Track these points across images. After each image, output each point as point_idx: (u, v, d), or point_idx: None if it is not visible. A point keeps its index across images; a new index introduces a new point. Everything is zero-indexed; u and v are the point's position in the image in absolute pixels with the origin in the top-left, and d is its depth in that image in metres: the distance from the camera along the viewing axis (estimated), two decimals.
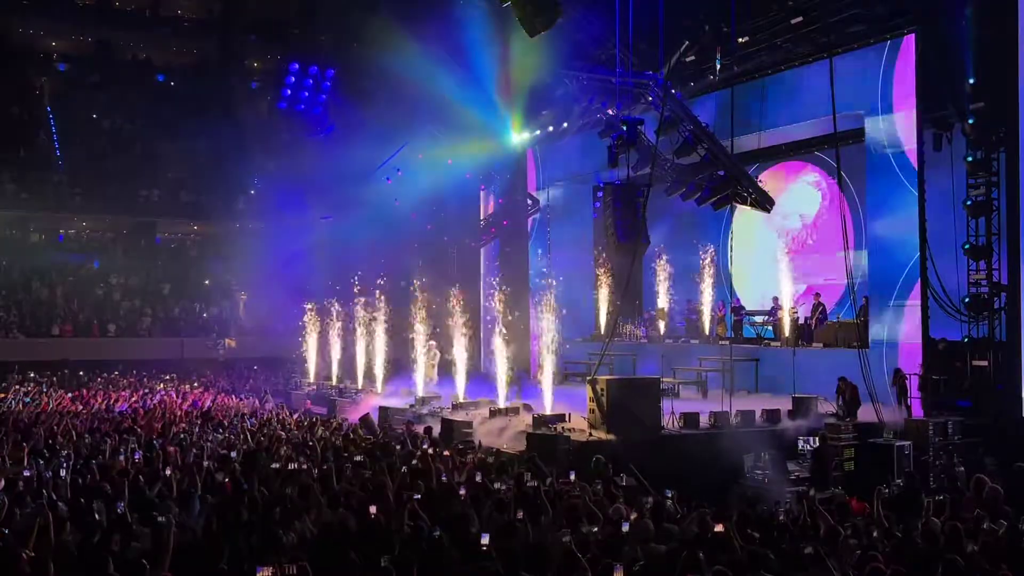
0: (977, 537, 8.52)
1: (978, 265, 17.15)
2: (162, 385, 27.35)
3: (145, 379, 28.68)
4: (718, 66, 20.25)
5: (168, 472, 11.15)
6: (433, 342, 24.07)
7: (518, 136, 27.17)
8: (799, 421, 16.67)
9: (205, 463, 12.33)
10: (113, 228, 40.25)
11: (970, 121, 17.06)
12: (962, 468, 13.54)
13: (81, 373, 28.64)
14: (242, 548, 7.62)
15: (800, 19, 19.43)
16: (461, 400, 20.08)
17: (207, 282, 38.57)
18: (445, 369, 22.78)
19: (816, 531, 9.07)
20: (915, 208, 17.62)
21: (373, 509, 8.87)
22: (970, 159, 17.17)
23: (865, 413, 16.28)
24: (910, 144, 17.85)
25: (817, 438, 15.35)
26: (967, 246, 17.18)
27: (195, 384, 27.73)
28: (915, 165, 17.72)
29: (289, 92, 28.00)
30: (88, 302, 35.59)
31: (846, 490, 12.94)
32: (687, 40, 20.54)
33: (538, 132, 26.55)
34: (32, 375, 28.08)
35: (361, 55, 25.46)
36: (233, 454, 13.19)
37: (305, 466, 11.93)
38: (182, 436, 15.69)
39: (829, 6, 18.86)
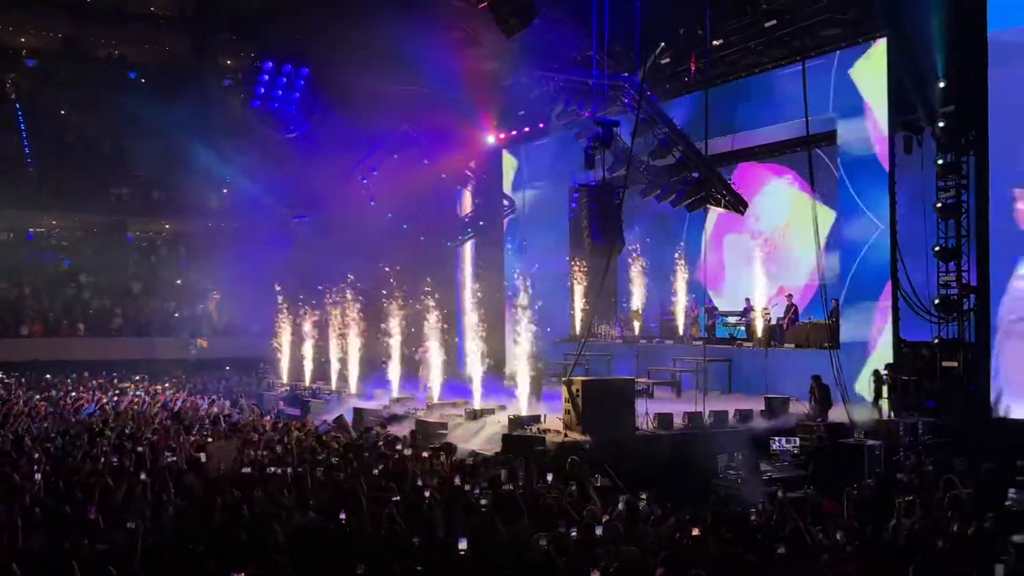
0: (947, 538, 8.63)
1: (948, 267, 17.34)
2: (131, 386, 27.07)
3: (115, 380, 28.38)
4: (693, 69, 20.37)
5: (142, 476, 11.05)
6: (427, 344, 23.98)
7: (494, 137, 27.21)
8: (772, 421, 16.83)
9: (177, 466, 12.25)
10: (83, 226, 39.81)
11: (940, 124, 17.24)
12: (932, 468, 13.68)
13: (48, 376, 28.27)
14: (214, 553, 7.58)
15: (774, 23, 19.60)
16: (436, 401, 20.05)
17: (179, 281, 38.23)
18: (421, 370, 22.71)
19: (788, 532, 9.14)
20: (887, 210, 17.82)
21: (343, 515, 8.81)
22: (940, 162, 17.35)
23: (837, 414, 16.45)
24: (881, 147, 18.05)
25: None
26: (937, 248, 17.37)
27: (166, 385, 27.48)
28: (886, 168, 17.92)
29: (262, 90, 27.81)
30: (58, 301, 35.18)
31: (817, 490, 13.05)
32: (662, 43, 20.65)
33: (514, 133, 26.60)
34: (0, 376, 27.71)
35: (335, 54, 25.35)
36: (203, 456, 13.10)
37: (278, 470, 11.87)
38: (154, 438, 15.54)
39: (802, 10, 19.04)
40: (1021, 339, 16.01)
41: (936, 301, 17.37)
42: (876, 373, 17.42)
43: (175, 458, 13.16)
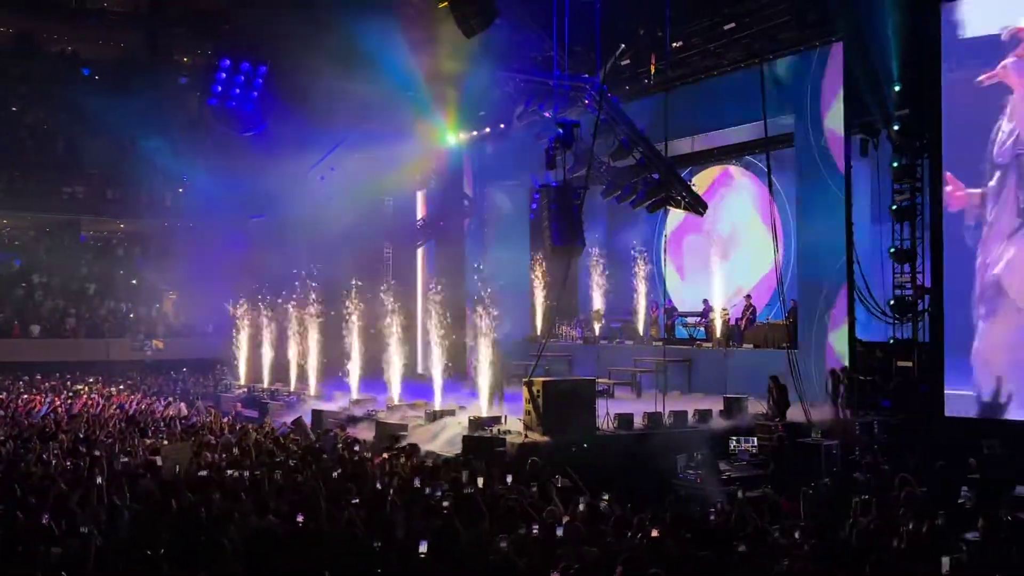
0: (901, 536, 8.76)
1: (903, 268, 17.61)
2: (85, 388, 26.62)
3: (68, 381, 27.89)
4: (653, 71, 20.49)
5: (97, 480, 10.85)
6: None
7: (455, 137, 27.10)
8: (731, 421, 16.98)
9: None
10: (35, 226, 39.07)
11: (895, 128, 17.52)
12: (887, 467, 13.88)
13: None
14: (169, 558, 7.47)
15: (733, 25, 19.79)
16: (396, 402, 19.96)
17: (134, 282, 37.66)
18: (381, 371, 22.59)
19: (748, 531, 9.22)
20: (843, 212, 18.06)
21: (300, 518, 8.73)
22: (895, 165, 17.61)
23: (794, 413, 16.63)
24: (838, 149, 18.28)
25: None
26: (892, 250, 17.64)
27: (121, 387, 27.07)
28: (842, 170, 18.16)
29: (220, 88, 27.43)
30: (9, 302, 34.48)
31: (775, 489, 13.17)
32: (622, 44, 20.74)
33: (475, 133, 26.52)
34: None
35: (294, 52, 25.12)
36: (159, 459, 12.91)
37: (236, 472, 11.74)
38: (108, 441, 15.30)
39: (761, 13, 19.26)
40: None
41: (891, 302, 17.63)
42: (833, 372, 17.63)
43: (130, 461, 12.95)
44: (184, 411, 22.30)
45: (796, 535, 9.07)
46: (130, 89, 33.49)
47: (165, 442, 15.51)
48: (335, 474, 11.83)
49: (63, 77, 39.18)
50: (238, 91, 27.05)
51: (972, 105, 16.43)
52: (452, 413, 17.67)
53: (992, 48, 16.25)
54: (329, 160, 27.35)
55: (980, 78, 16.24)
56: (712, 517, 10.02)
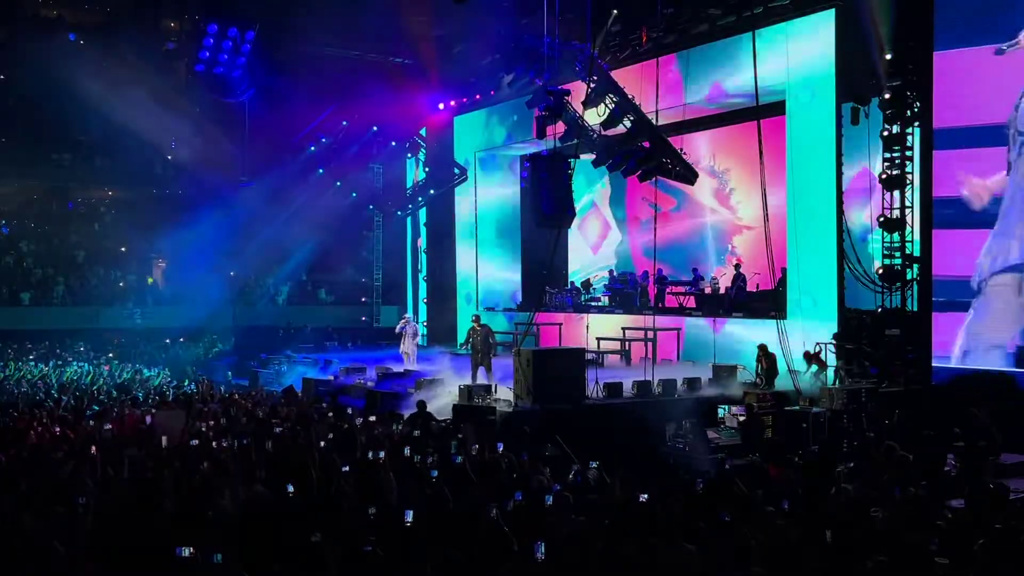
0: (886, 504, 8.86)
1: (892, 237, 17.67)
2: (69, 357, 26.62)
3: (58, 350, 27.85)
4: (644, 38, 20.34)
5: (92, 449, 10.87)
6: (408, 316, 23.94)
7: (445, 105, 26.97)
8: (719, 389, 17.09)
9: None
10: (23, 193, 38.75)
11: (886, 96, 17.50)
12: (872, 435, 14.02)
13: None
14: (162, 528, 7.51)
15: None
16: (386, 371, 20.00)
17: (123, 249, 37.49)
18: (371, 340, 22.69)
19: (735, 498, 9.31)
20: (833, 179, 18.06)
21: (291, 487, 8.77)
22: (886, 133, 17.62)
23: (783, 381, 16.75)
24: (829, 117, 18.24)
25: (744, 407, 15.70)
26: (881, 219, 17.68)
27: (110, 355, 27.06)
28: (834, 137, 18.13)
29: (207, 54, 27.29)
30: None
31: (764, 457, 13.29)
32: (614, 10, 20.59)
33: (465, 100, 26.38)
34: None
35: (282, 17, 24.90)
36: (150, 429, 12.94)
37: (226, 442, 11.79)
38: (99, 411, 15.32)
39: None
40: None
41: (879, 271, 17.71)
42: (807, 355, 17.46)
43: (121, 431, 12.98)
44: (175, 381, 22.32)
45: (784, 504, 9.15)
46: (117, 55, 33.11)
47: (153, 411, 15.50)
48: (325, 442, 11.88)
49: (49, 42, 38.71)
50: (226, 57, 26.87)
51: (965, 72, 16.42)
52: (442, 382, 17.70)
53: (984, 14, 16.23)
54: (318, 127, 27.22)
55: (1001, 46, 16.24)
56: (700, 485, 10.09)
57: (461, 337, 26.10)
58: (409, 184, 30.63)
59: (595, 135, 20.55)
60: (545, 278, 23.36)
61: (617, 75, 20.47)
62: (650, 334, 20.13)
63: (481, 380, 17.22)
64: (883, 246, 17.76)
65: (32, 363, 24.95)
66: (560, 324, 23.43)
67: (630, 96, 19.74)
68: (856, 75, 17.96)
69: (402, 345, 21.55)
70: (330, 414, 15.02)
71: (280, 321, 30.87)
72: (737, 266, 21.96)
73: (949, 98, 16.95)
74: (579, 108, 19.69)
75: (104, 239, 37.69)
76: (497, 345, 19.10)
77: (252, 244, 29.70)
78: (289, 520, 7.80)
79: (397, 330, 22.03)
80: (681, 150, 20.37)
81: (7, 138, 36.05)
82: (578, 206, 23.01)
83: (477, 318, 19.08)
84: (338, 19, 21.70)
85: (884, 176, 17.64)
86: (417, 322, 25.80)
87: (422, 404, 14.68)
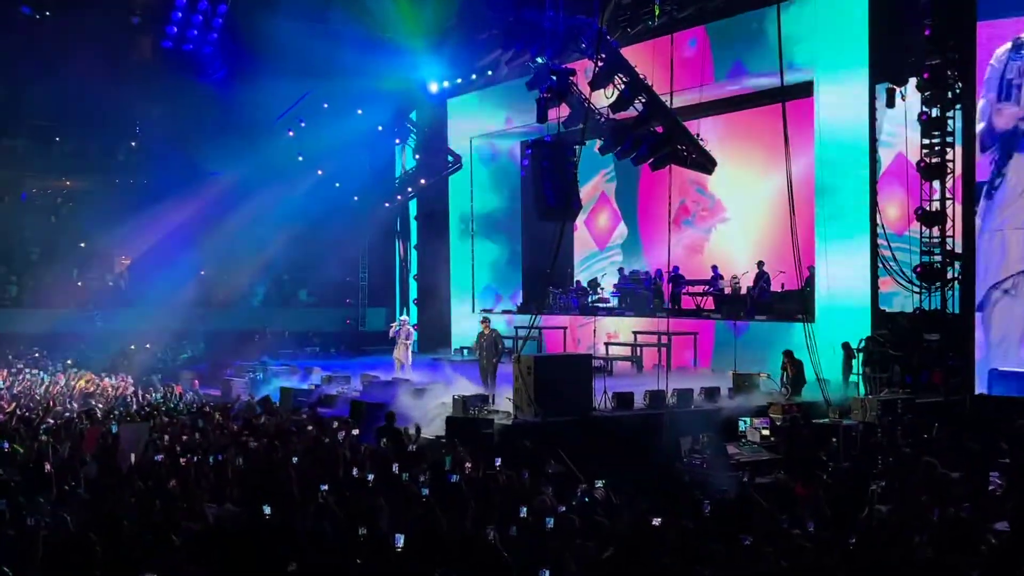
0: (924, 526, 8.83)
1: (931, 232, 17.61)
2: (22, 364, 26.61)
3: (10, 356, 27.83)
4: (657, 11, 20.33)
5: (47, 467, 10.84)
6: (405, 318, 23.94)
7: (437, 86, 26.91)
8: (740, 400, 17.06)
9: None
10: None
11: (924, 76, 17.44)
12: (909, 450, 13.98)
13: None
14: (123, 551, 7.49)
15: None
16: (373, 378, 19.98)
17: (82, 245, 37.47)
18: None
19: (755, 521, 9.29)
20: (867, 168, 18.06)
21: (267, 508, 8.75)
22: (924, 117, 17.58)
23: (810, 391, 16.72)
24: (862, 100, 18.22)
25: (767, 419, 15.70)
26: (920, 211, 17.63)
27: (68, 362, 27.05)
28: (867, 122, 18.11)
29: (176, 30, 27.26)
30: None
31: (789, 474, 13.26)
32: None
33: (459, 81, 26.34)
34: None
35: None
36: (111, 443, 12.91)
37: (195, 457, 11.77)
38: (56, 424, 15.30)
39: None
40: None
41: (917, 269, 17.66)
42: (846, 346, 17.63)
43: (78, 446, 12.96)
44: (138, 389, 22.29)
45: (809, 525, 9.13)
46: (77, 30, 33.11)
47: (115, 422, 15.41)
48: (305, 459, 11.85)
49: (1, 17, 38.69)
50: (196, 33, 26.86)
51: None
52: (435, 391, 17.68)
53: None
54: (297, 110, 27.18)
55: None
56: (719, 505, 10.07)
57: (456, 342, 26.15)
58: (398, 173, 30.61)
59: (603, 119, 20.54)
60: (548, 277, 23.32)
61: (627, 52, 20.47)
62: (664, 339, 20.10)
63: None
64: (921, 242, 17.72)
65: None
66: (565, 328, 23.43)
67: (642, 76, 19.73)
68: (891, 52, 17.93)
69: (395, 351, 21.53)
70: (310, 427, 14.99)
71: (255, 325, 30.84)
72: (760, 263, 21.90)
73: None
74: (585, 89, 19.67)
75: (61, 234, 37.67)
76: (504, 351, 19.11)
77: (224, 240, 29.64)
78: (265, 545, 7.79)
79: (391, 334, 22.02)
80: (698, 135, 20.36)
81: None
82: (584, 196, 23.04)
83: (487, 321, 19.06)
84: None
85: (922, 164, 17.60)
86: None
87: (391, 416, 14.63)
